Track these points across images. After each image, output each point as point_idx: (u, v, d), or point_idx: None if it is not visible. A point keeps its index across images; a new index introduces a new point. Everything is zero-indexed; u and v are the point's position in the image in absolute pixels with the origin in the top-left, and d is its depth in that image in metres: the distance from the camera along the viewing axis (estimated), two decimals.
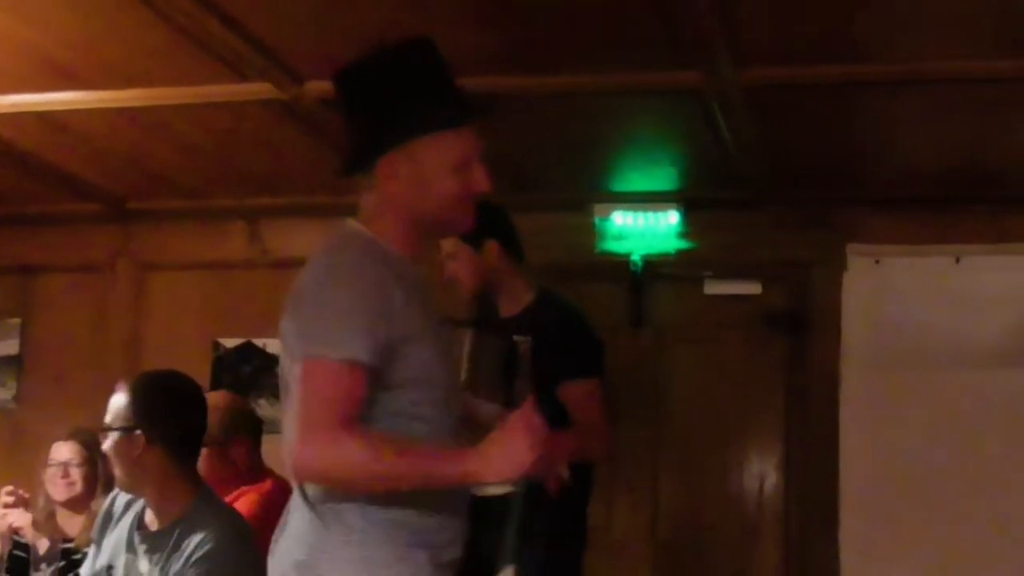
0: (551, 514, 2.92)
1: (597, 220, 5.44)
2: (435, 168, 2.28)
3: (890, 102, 4.26)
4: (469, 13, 3.57)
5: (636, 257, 5.48)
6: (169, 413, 3.05)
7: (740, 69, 3.95)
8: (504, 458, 2.14)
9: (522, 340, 3.24)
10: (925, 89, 4.08)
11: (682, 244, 5.46)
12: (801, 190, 5.20)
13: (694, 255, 5.49)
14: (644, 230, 5.43)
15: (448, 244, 3.62)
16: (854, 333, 5.31)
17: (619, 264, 5.49)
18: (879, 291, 5.31)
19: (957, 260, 5.29)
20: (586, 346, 3.64)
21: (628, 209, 5.41)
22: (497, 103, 2.44)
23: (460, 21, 3.56)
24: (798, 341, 5.47)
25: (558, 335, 3.39)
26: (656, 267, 5.54)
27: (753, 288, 5.58)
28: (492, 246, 3.61)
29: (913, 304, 5.27)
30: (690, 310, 5.64)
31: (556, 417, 3.10)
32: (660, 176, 5.24)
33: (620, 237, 5.47)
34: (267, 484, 3.73)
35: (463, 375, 3.23)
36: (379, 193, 2.31)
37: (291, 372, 2.21)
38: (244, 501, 3.61)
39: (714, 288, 5.62)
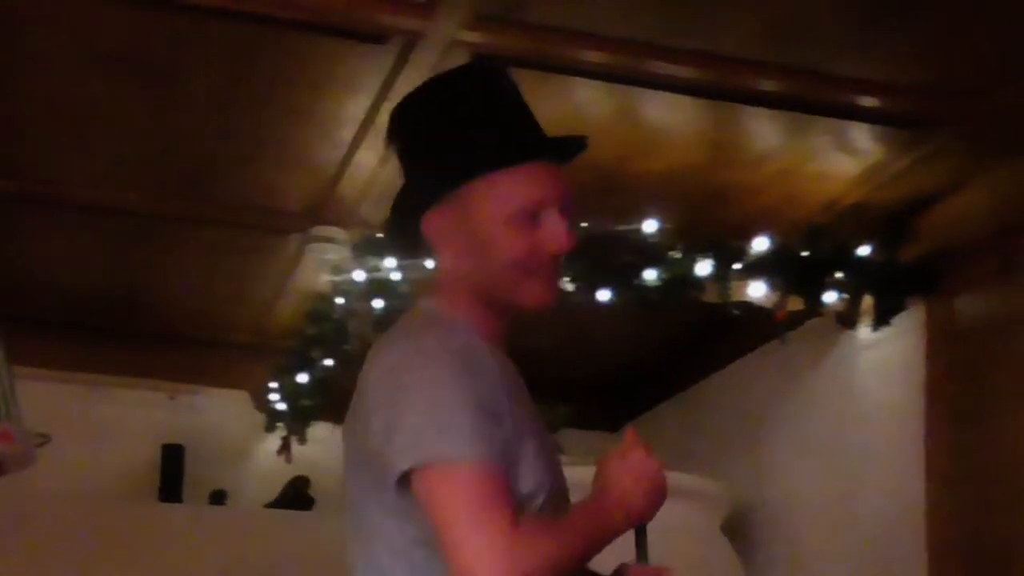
0: None
1: None
2: (489, 221, 1.69)
3: (26, 220, 4.10)
4: None
5: None
6: None
7: None
8: (638, 490, 1.70)
9: None
10: (61, 212, 4.00)
11: None
12: None
13: None
14: None
15: None
16: None
17: None
18: None
19: (92, 390, 5.20)
20: None
21: None
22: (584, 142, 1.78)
23: None
24: None
25: None
26: None
27: None
28: None
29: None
30: None
31: None
32: None
33: None
34: None
35: None
36: (440, 261, 1.77)
37: (361, 484, 1.68)
38: None
39: None
